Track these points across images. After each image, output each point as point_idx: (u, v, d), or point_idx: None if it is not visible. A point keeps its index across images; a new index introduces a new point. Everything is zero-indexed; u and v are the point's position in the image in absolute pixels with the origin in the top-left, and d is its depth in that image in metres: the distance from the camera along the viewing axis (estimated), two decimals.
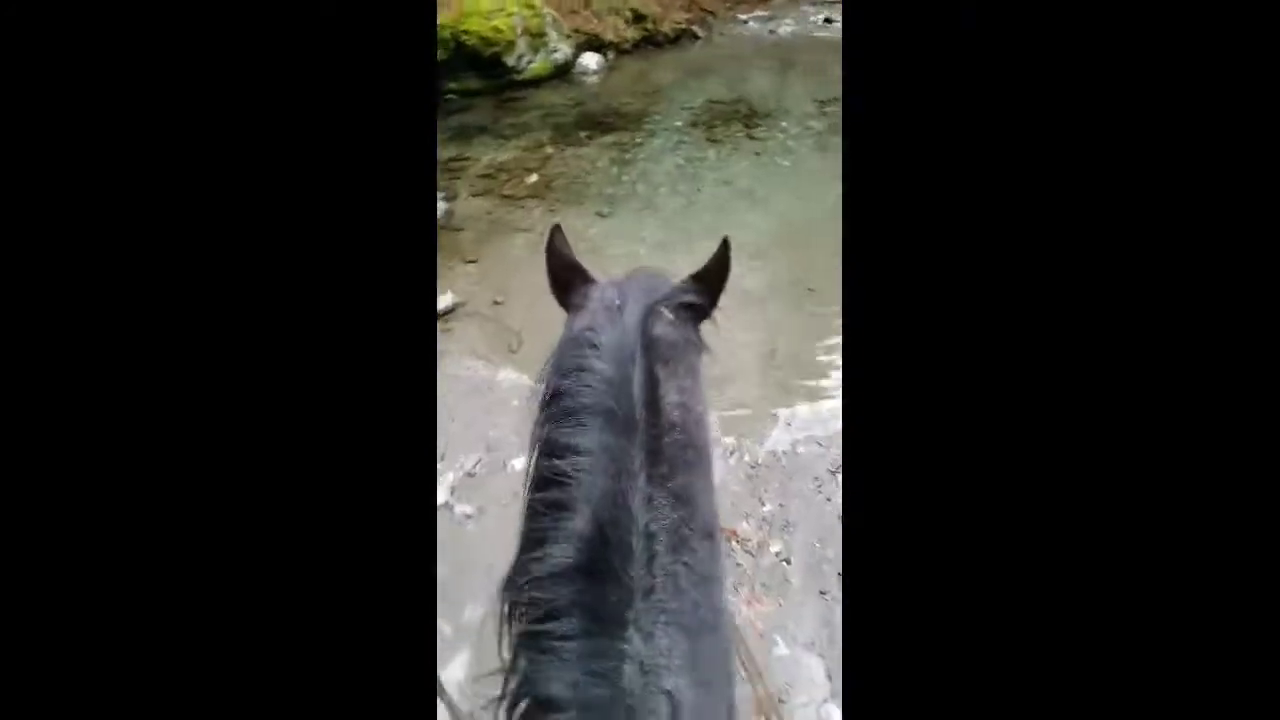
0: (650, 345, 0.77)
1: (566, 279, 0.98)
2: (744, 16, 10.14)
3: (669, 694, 0.61)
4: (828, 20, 10.23)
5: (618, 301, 0.84)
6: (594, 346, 0.76)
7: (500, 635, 0.70)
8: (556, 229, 1.02)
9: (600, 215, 4.90)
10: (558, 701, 0.61)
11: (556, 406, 0.74)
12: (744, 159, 5.81)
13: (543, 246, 1.01)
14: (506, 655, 0.67)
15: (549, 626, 0.64)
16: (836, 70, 7.91)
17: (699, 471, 0.76)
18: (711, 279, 0.95)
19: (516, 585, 0.68)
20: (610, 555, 0.64)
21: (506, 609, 0.70)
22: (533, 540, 0.69)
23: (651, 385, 0.73)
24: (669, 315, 0.86)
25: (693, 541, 0.70)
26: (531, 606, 0.66)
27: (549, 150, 5.95)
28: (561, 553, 0.66)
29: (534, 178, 5.43)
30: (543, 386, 0.80)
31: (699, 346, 0.90)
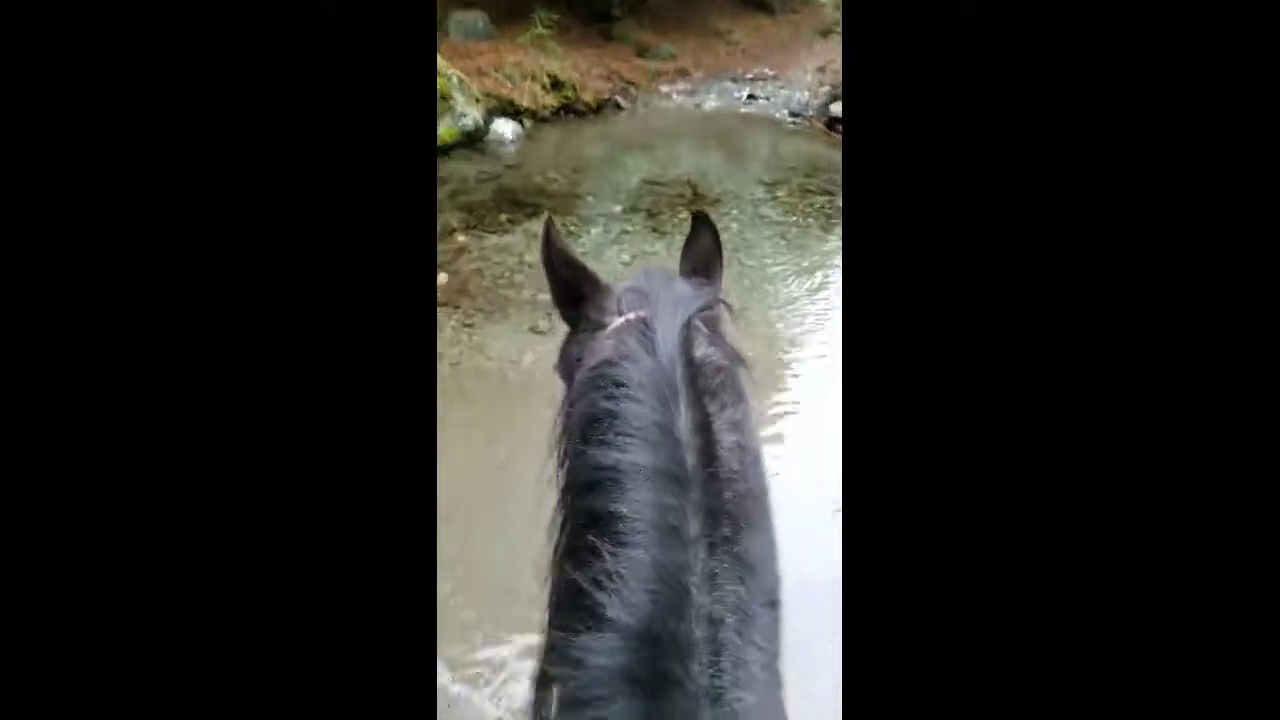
0: (695, 375, 0.66)
1: (573, 286, 0.83)
2: (666, 89, 9.60)
3: None
4: (751, 97, 9.90)
5: (644, 318, 0.69)
6: (622, 385, 0.62)
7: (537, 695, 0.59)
8: (550, 223, 0.89)
9: (535, 331, 3.77)
10: None
11: (583, 466, 0.60)
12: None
13: (539, 256, 0.87)
14: None
15: None
16: (780, 148, 7.46)
17: (761, 525, 0.64)
18: (713, 264, 0.86)
19: (550, 652, 0.55)
20: (668, 659, 0.52)
21: (541, 679, 0.58)
22: (565, 642, 0.54)
23: (704, 428, 0.62)
24: (706, 330, 0.75)
25: (758, 616, 0.58)
26: (573, 698, 0.52)
27: (461, 239, 4.78)
28: (604, 660, 0.52)
29: (443, 278, 4.22)
30: (561, 439, 0.68)
31: (740, 360, 0.76)
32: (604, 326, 0.75)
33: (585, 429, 0.63)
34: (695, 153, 7.35)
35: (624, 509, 0.56)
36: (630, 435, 0.59)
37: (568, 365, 0.80)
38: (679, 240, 4.71)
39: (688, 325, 0.68)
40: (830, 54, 9.51)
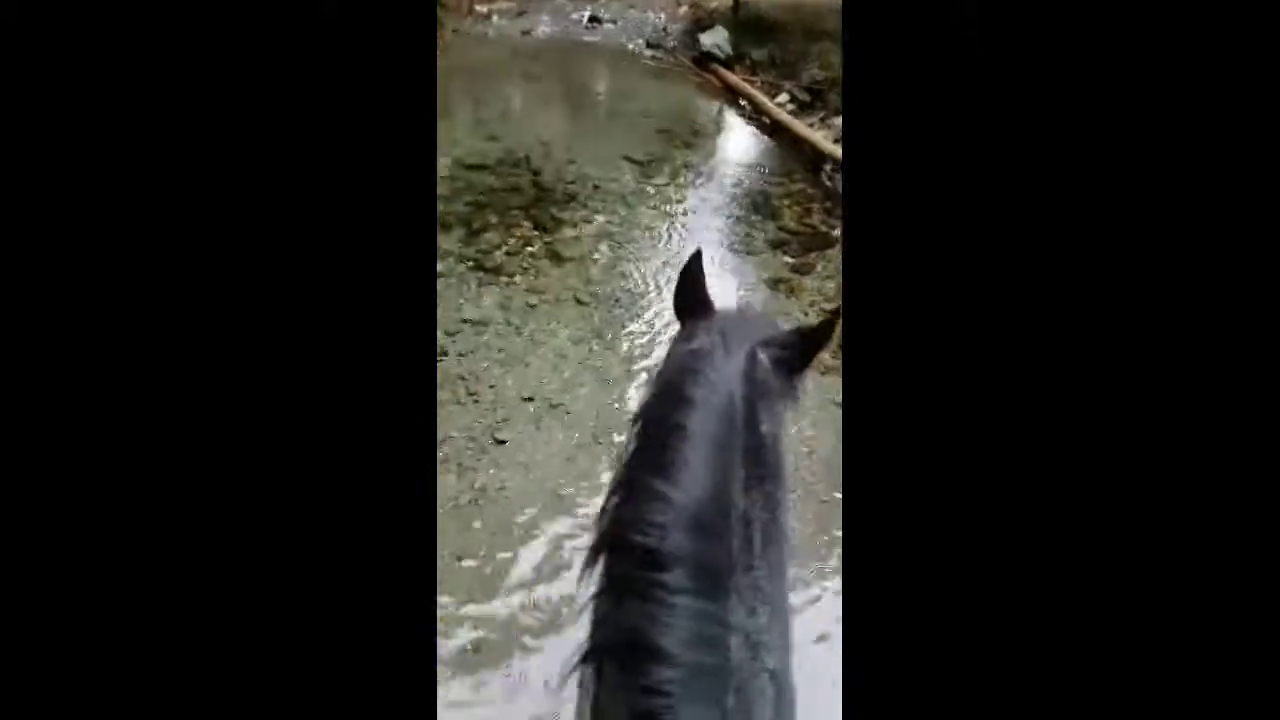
0: (749, 384, 0.83)
1: (690, 307, 1.04)
2: (484, 8, 7.18)
3: (773, 674, 0.64)
4: (594, 20, 7.76)
5: (722, 338, 0.88)
6: (697, 373, 0.81)
7: (587, 567, 0.74)
8: (698, 256, 1.09)
9: None
10: (669, 655, 0.60)
11: (663, 393, 0.83)
12: (559, 311, 3.11)
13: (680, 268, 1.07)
14: (594, 589, 0.70)
15: (661, 576, 0.63)
16: (647, 100, 5.57)
17: (780, 495, 0.80)
18: (815, 339, 0.96)
19: (619, 520, 0.70)
20: (716, 517, 0.68)
21: (602, 542, 0.73)
22: (637, 482, 0.74)
23: (750, 410, 0.80)
24: (767, 363, 0.89)
25: (776, 541, 0.75)
26: (637, 549, 0.67)
27: None
28: (673, 499, 0.68)
29: None
30: (653, 384, 0.92)
31: (790, 398, 0.93)
32: (696, 334, 0.95)
33: (669, 376, 0.87)
34: (532, 109, 5.29)
35: (688, 422, 0.76)
36: (699, 388, 0.80)
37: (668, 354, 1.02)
38: (520, 300, 2.60)
39: (753, 352, 0.87)
40: None
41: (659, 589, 0.62)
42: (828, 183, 4.69)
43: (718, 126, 5.38)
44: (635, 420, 0.85)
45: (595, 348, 2.95)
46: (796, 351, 0.93)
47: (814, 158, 4.75)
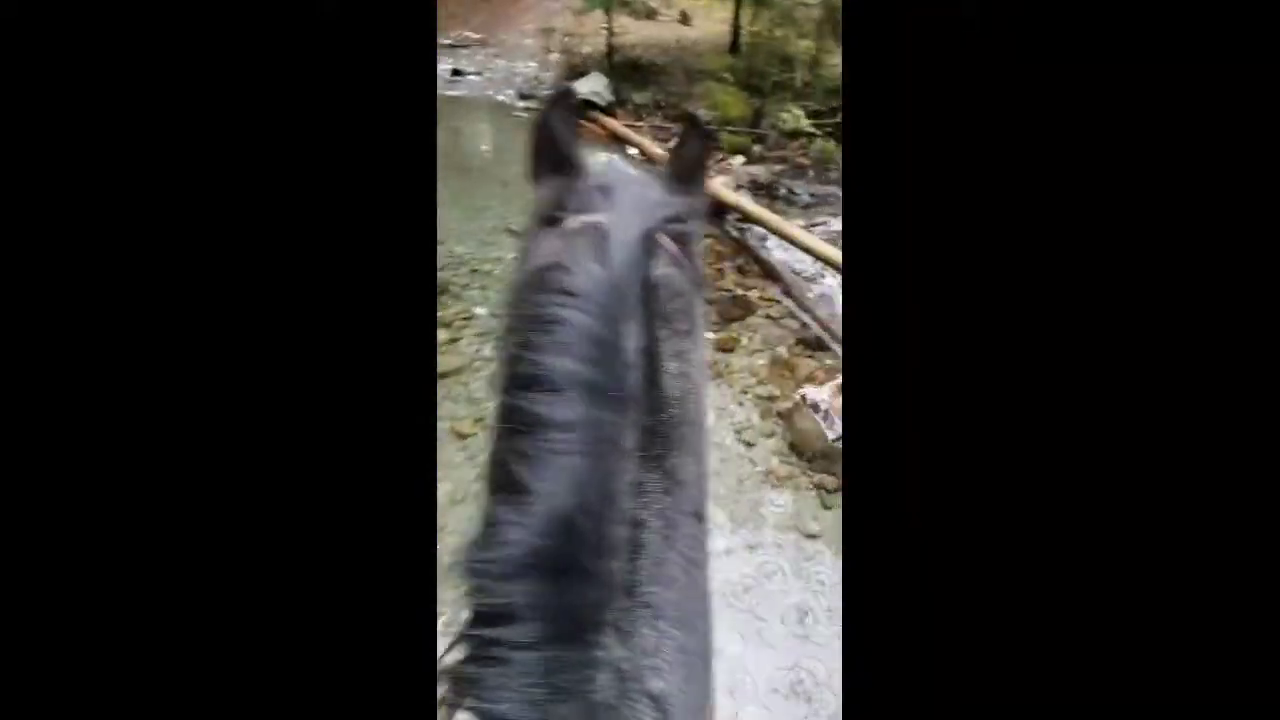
0: (649, 297, 0.60)
1: (547, 164, 0.75)
2: None
3: (655, 698, 0.54)
4: (456, 73, 7.17)
5: (600, 225, 0.62)
6: (571, 294, 0.56)
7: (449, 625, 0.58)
8: (565, 95, 0.79)
9: None
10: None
11: (522, 367, 0.56)
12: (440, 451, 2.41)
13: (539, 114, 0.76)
14: (449, 653, 0.54)
15: (502, 632, 0.50)
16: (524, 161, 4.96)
17: (694, 450, 0.63)
18: (696, 172, 0.75)
19: (468, 570, 0.53)
20: (584, 551, 0.52)
21: (464, 592, 0.55)
22: (489, 523, 0.53)
23: (650, 354, 0.59)
24: (672, 247, 0.65)
25: (682, 524, 0.59)
26: (481, 602, 0.51)
27: None
28: (521, 542, 0.50)
29: None
30: (504, 336, 0.64)
31: (700, 284, 0.70)
32: (557, 222, 0.66)
33: (528, 330, 0.59)
34: None
35: (556, 414, 0.53)
36: (570, 345, 0.55)
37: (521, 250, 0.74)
38: None
39: (650, 238, 0.62)
40: (556, 10, 7.16)
41: (499, 645, 0.47)
42: (735, 234, 4.26)
43: None
44: (495, 403, 0.60)
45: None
46: (692, 210, 0.71)
47: (716, 208, 4.30)
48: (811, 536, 2.29)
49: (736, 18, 6.60)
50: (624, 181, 0.71)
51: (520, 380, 0.56)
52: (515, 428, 0.56)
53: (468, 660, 0.53)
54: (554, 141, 0.76)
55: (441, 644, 0.55)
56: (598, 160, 0.77)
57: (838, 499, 2.37)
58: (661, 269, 0.63)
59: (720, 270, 3.82)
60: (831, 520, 2.37)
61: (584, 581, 0.52)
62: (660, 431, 0.59)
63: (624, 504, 0.54)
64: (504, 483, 0.54)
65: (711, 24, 7.65)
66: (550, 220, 0.69)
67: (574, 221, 0.66)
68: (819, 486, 2.50)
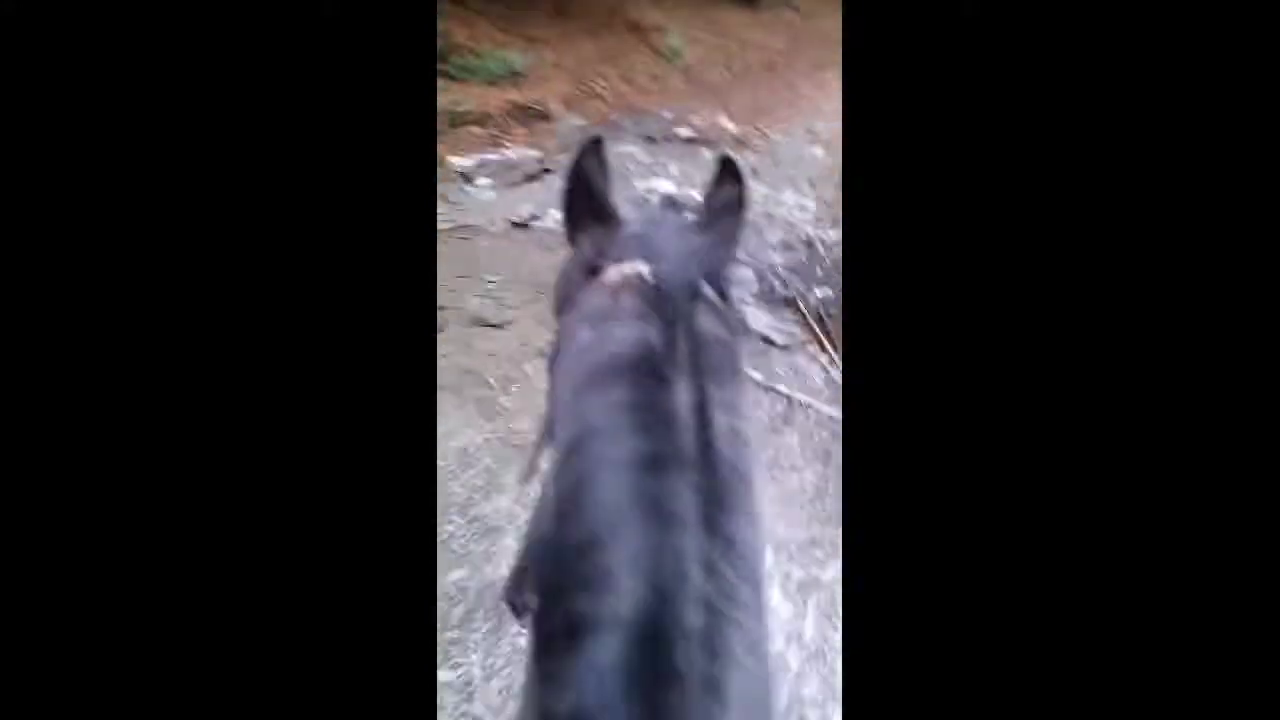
0: (696, 350, 0.58)
1: (584, 212, 0.74)
2: (473, 160, 5.33)
3: None
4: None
5: (644, 275, 0.62)
6: (616, 353, 0.57)
7: None
8: (596, 142, 0.77)
9: None
10: None
11: (568, 446, 0.56)
12: None
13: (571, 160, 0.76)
14: None
15: None
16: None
17: (749, 509, 0.57)
18: (733, 217, 0.75)
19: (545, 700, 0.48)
20: (667, 651, 0.46)
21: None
22: (553, 644, 0.49)
23: (700, 408, 0.56)
24: (715, 299, 0.64)
25: (743, 595, 0.51)
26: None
27: None
28: (602, 659, 0.45)
29: None
30: (552, 395, 0.65)
31: (741, 333, 0.70)
32: (600, 270, 0.65)
33: (577, 392, 0.58)
34: None
35: (616, 496, 0.51)
36: (623, 413, 0.54)
37: (562, 294, 0.72)
38: None
39: (694, 287, 0.61)
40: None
41: None
42: None
43: None
44: (553, 454, 0.60)
45: None
46: (730, 255, 0.69)
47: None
48: None
49: None
50: (662, 228, 0.70)
51: (568, 458, 0.55)
52: (569, 514, 0.53)
53: None
54: (589, 189, 0.74)
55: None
56: (641, 208, 0.72)
57: None
58: (706, 322, 0.61)
59: None
60: None
61: (672, 682, 0.45)
62: (717, 494, 0.54)
63: (696, 584, 0.48)
64: (560, 602, 0.50)
65: None
66: (591, 270, 0.65)
67: (614, 273, 0.63)
68: None
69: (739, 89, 6.16)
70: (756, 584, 0.54)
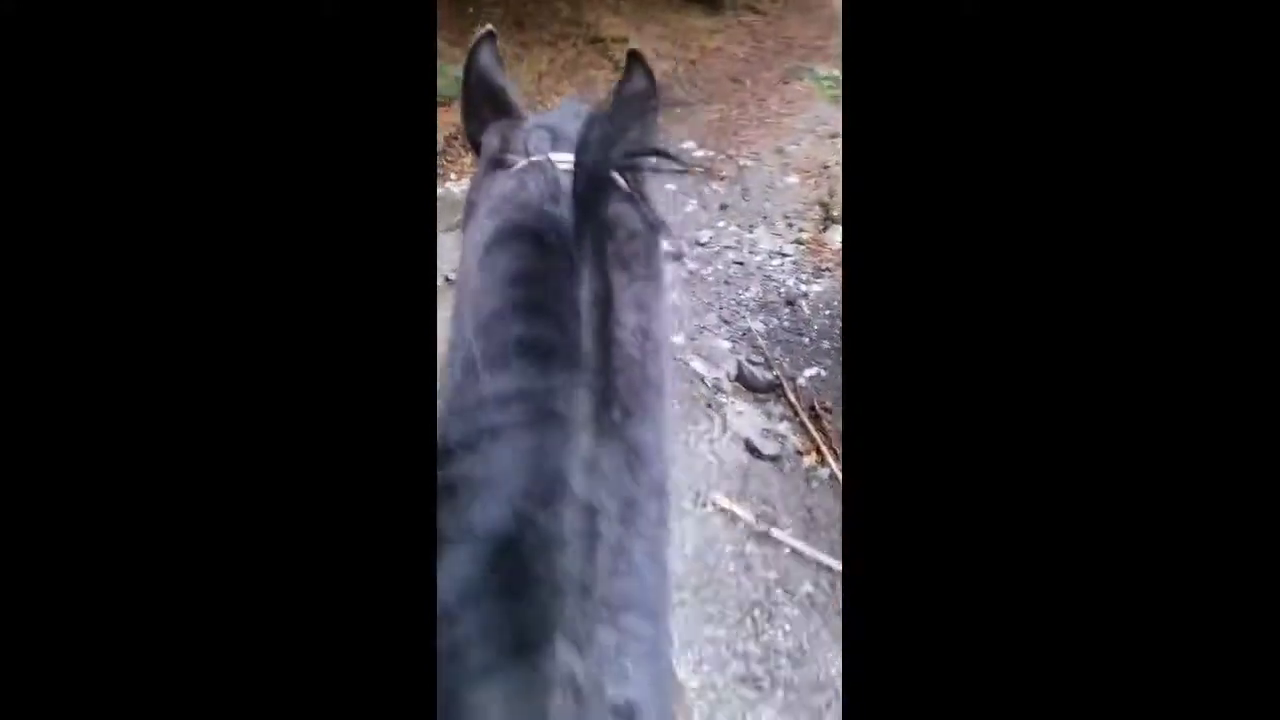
0: (603, 237, 0.55)
1: (486, 107, 0.74)
2: None
3: (622, 709, 0.45)
4: None
5: (551, 162, 0.59)
6: (516, 238, 0.55)
7: None
8: (489, 35, 0.79)
9: None
10: None
11: (467, 324, 0.55)
12: None
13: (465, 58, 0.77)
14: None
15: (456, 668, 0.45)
16: None
17: (656, 415, 0.55)
18: (646, 107, 0.71)
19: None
20: (530, 557, 0.46)
21: None
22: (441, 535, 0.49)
23: (605, 305, 0.53)
24: (625, 184, 0.61)
25: (644, 504, 0.52)
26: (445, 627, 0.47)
27: None
28: (466, 562, 0.46)
29: None
30: (457, 289, 0.62)
31: (659, 227, 0.63)
32: (506, 165, 0.65)
33: (477, 283, 0.56)
34: None
35: (500, 387, 0.50)
36: (519, 302, 0.53)
37: (469, 200, 0.70)
38: None
39: (604, 175, 0.58)
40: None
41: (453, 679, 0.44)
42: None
43: None
44: (450, 347, 0.57)
45: None
46: (644, 147, 0.63)
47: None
48: None
49: None
50: (573, 120, 0.66)
51: (465, 336, 0.52)
52: (460, 405, 0.50)
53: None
54: (488, 83, 0.72)
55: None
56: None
57: None
58: (615, 207, 0.58)
59: None
60: None
61: (532, 592, 0.45)
62: (618, 394, 0.52)
63: (578, 490, 0.48)
64: (452, 481, 0.49)
65: None
66: (498, 163, 0.64)
67: (523, 161, 0.61)
68: None
69: (703, 107, 5.89)
70: (660, 491, 0.53)
